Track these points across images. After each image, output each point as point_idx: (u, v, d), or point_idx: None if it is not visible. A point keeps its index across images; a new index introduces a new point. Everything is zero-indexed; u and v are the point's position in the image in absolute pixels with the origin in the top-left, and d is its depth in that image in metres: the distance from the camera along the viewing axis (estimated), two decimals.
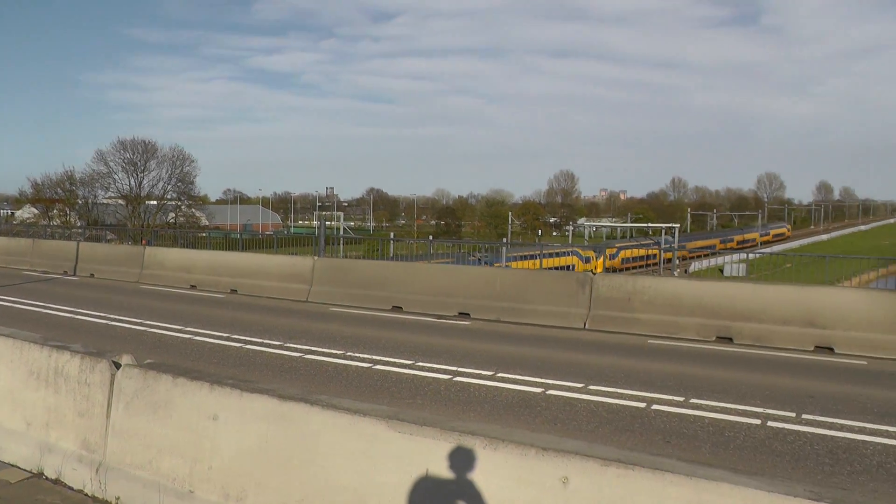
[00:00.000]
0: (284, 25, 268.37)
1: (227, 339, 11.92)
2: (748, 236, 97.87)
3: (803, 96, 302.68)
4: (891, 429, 7.51)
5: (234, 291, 17.82)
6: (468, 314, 14.45)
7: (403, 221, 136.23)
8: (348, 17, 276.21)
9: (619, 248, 61.45)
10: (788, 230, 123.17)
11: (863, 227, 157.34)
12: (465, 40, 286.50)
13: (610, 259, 53.09)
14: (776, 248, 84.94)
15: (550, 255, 40.62)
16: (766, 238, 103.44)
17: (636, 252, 60.22)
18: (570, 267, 44.07)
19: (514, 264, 38.18)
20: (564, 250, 51.31)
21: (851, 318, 11.71)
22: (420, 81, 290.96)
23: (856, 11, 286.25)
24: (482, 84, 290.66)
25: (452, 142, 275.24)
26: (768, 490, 5.03)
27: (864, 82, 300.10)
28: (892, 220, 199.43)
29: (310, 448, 5.12)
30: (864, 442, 7.08)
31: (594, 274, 14.01)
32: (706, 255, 54.60)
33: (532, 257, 39.03)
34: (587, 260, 46.47)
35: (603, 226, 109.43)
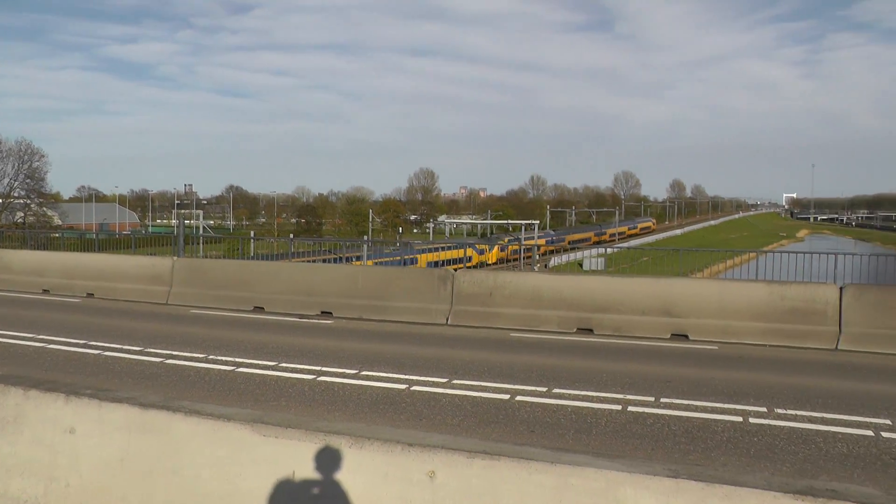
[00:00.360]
0: (139, 13, 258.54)
1: (84, 346, 11.37)
2: (620, 229, 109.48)
3: (657, 100, 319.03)
4: (738, 407, 8.04)
5: (90, 295, 17.01)
6: (331, 313, 14.37)
7: (264, 220, 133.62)
8: (205, 7, 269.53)
9: (509, 241, 67.76)
10: (654, 224, 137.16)
11: (713, 222, 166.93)
12: (325, 36, 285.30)
13: (501, 251, 56.98)
14: (633, 242, 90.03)
15: (451, 248, 46.09)
16: (634, 231, 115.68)
17: (526, 244, 63.53)
18: (469, 258, 46.62)
19: (421, 256, 44.30)
20: (464, 243, 57.55)
21: (704, 306, 12.41)
22: (279, 77, 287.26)
23: (705, 22, 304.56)
24: (342, 81, 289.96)
25: (313, 138, 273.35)
26: (630, 471, 5.28)
27: (712, 88, 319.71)
28: (737, 216, 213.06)
29: (174, 457, 4.97)
30: (715, 420, 7.54)
31: (456, 270, 14.22)
32: (587, 247, 58.00)
33: (436, 250, 44.65)
34: (482, 252, 49.03)
35: (463, 223, 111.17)
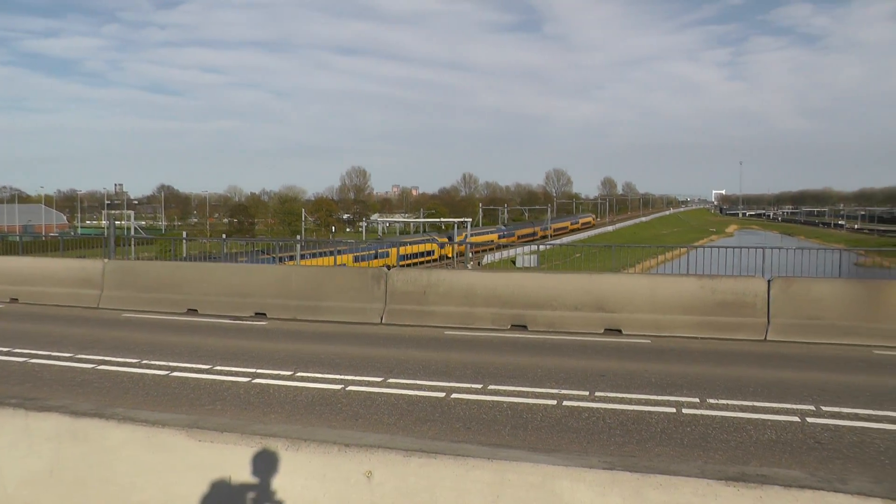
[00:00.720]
0: (62, 6, 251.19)
1: (9, 353, 11.03)
2: (562, 224, 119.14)
3: (586, 99, 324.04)
4: (671, 399, 8.25)
5: (14, 300, 16.50)
6: (265, 314, 14.25)
7: (196, 220, 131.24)
8: (132, 1, 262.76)
9: (468, 234, 75.04)
10: (594, 219, 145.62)
11: (644, 219, 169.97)
12: (254, 33, 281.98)
13: (459, 245, 60.85)
14: (566, 239, 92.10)
15: (414, 243, 49.20)
16: (576, 226, 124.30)
17: (481, 238, 77.01)
18: (431, 252, 48.74)
19: (392, 250, 47.02)
20: (424, 238, 61.10)
21: (636, 301, 12.67)
22: (209, 73, 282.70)
23: (633, 24, 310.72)
24: (272, 78, 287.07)
25: (244, 137, 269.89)
26: (566, 464, 5.39)
27: (640, 88, 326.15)
28: (668, 212, 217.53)
29: (107, 465, 4.87)
30: (649, 413, 7.72)
31: (389, 269, 14.23)
32: (523, 243, 60.28)
33: (394, 245, 48.15)
34: (442, 245, 52.10)
35: (396, 221, 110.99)
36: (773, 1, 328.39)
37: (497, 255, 53.13)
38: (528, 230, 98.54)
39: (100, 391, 8.80)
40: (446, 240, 60.87)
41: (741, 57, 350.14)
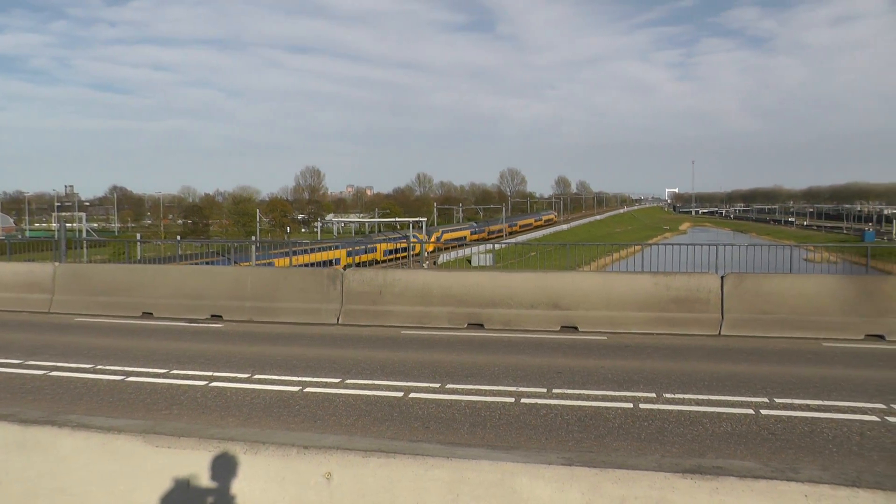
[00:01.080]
0: (5, 1, 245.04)
1: None
2: (527, 221, 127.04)
3: (539, 99, 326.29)
4: (628, 394, 8.37)
5: None
6: (220, 316, 14.12)
7: (150, 221, 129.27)
8: None
9: (443, 231, 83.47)
10: (556, 216, 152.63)
11: (598, 217, 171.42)
12: (205, 30, 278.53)
13: (436, 241, 68.39)
14: (521, 237, 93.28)
15: (390, 241, 52.44)
16: (539, 222, 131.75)
17: (455, 234, 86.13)
18: (412, 248, 51.86)
19: (380, 246, 50.20)
20: (399, 235, 67.04)
21: (591, 298, 12.80)
22: (159, 71, 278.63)
23: (584, 24, 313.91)
24: (223, 77, 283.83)
25: (197, 136, 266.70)
26: (524, 461, 5.44)
27: (592, 88, 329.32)
28: (622, 211, 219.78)
29: (60, 475, 4.79)
30: (607, 408, 7.82)
31: (345, 269, 14.19)
32: (476, 242, 62.36)
33: (380, 241, 51.75)
34: (422, 242, 54.61)
35: (351, 221, 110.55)
36: (722, 4, 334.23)
37: (453, 255, 53.23)
38: (498, 227, 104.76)
39: (51, 398, 8.65)
40: (425, 237, 64.91)
41: (692, 58, 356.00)
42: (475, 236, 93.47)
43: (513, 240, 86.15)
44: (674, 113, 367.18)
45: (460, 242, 60.86)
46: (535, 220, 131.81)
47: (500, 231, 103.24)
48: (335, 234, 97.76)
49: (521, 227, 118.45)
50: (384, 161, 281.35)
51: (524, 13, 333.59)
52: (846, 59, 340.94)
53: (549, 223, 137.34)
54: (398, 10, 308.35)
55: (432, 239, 75.70)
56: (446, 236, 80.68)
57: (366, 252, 50.00)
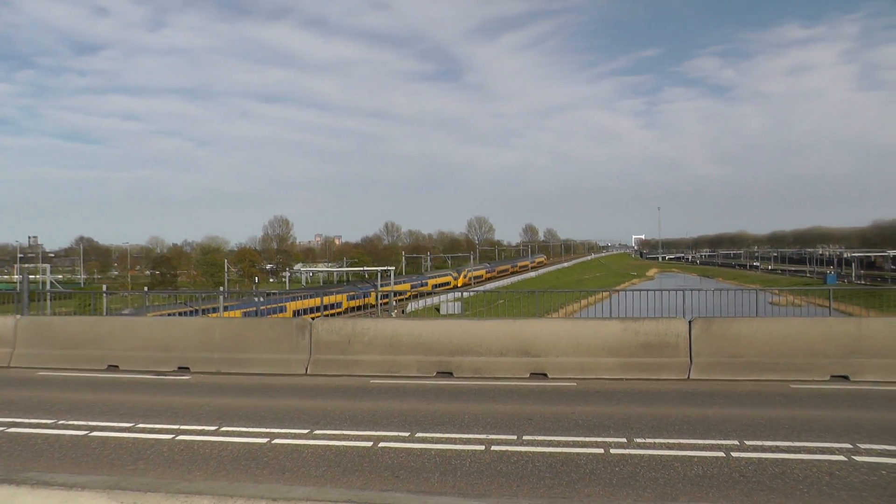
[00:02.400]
0: None
1: None
2: (524, 263, 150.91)
3: (505, 147, 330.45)
4: (599, 439, 8.36)
5: None
6: (188, 368, 13.95)
7: (117, 272, 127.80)
8: (49, 46, 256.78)
9: (468, 270, 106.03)
10: (546, 259, 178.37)
11: (566, 264, 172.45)
12: (175, 80, 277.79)
13: (463, 277, 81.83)
14: (489, 285, 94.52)
15: (435, 276, 57.47)
16: (534, 264, 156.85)
17: (476, 273, 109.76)
18: (448, 283, 54.66)
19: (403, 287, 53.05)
20: (444, 272, 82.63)
21: (561, 345, 12.84)
22: (129, 121, 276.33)
23: (549, 74, 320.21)
24: (193, 126, 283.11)
25: (165, 186, 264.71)
26: None
27: (558, 136, 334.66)
28: (589, 258, 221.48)
29: None
30: (577, 454, 7.80)
31: (313, 319, 14.13)
32: (444, 291, 64.45)
33: (409, 280, 56.06)
34: (456, 277, 59.75)
35: (319, 270, 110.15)
36: (683, 54, 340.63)
37: (421, 303, 53.20)
38: (502, 267, 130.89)
39: (10, 455, 8.44)
40: (456, 273, 74.64)
41: (655, 106, 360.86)
42: (489, 274, 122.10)
43: (481, 287, 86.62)
44: (639, 160, 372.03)
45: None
46: (531, 263, 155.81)
47: (506, 272, 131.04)
48: (303, 283, 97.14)
49: (519, 267, 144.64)
50: (353, 210, 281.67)
51: (489, 62, 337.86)
52: (804, 107, 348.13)
53: (541, 265, 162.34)
54: (367, 60, 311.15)
55: (461, 277, 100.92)
56: (471, 274, 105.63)
57: (365, 296, 53.29)
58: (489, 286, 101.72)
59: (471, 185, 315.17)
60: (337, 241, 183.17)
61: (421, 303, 53.45)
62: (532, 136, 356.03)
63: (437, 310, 53.34)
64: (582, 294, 32.96)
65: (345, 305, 53.18)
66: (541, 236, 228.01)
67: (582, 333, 12.89)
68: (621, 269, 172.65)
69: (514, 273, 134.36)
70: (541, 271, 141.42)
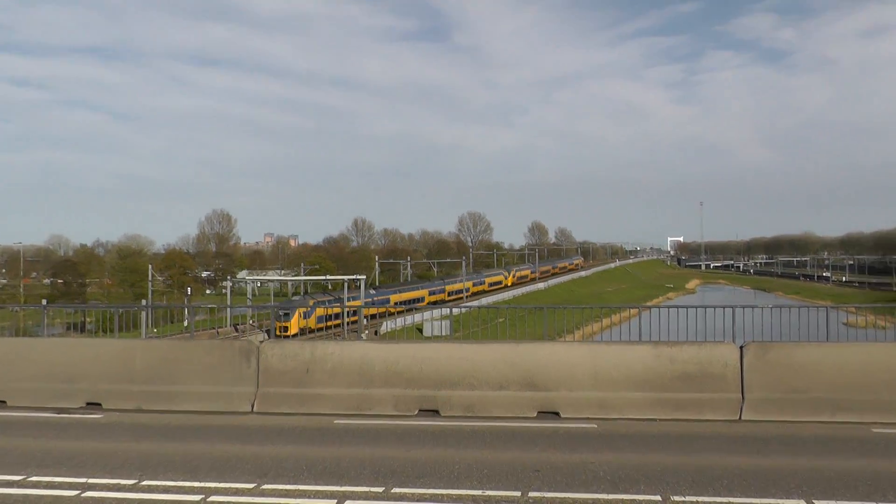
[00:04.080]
0: None
1: None
2: (563, 264, 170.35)
3: (506, 127, 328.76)
4: (627, 497, 8.33)
5: None
6: (99, 404, 13.87)
7: (5, 281, 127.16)
8: None
9: (516, 270, 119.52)
10: (582, 261, 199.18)
11: (583, 273, 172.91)
12: (84, 36, 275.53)
13: (512, 277, 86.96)
14: (485, 300, 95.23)
15: (490, 275, 62.25)
16: (572, 266, 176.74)
17: (523, 272, 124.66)
18: (500, 282, 57.87)
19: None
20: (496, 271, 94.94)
21: (576, 376, 12.83)
22: (23, 89, 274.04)
23: (558, 35, 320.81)
24: (109, 96, 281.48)
25: (72, 172, 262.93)
26: None
27: (572, 112, 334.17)
28: (613, 265, 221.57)
29: None
30: None
31: (261, 342, 14.07)
32: (424, 307, 65.19)
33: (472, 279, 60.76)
34: (507, 277, 65.53)
35: (270, 280, 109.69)
36: (730, 10, 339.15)
37: (398, 322, 53.15)
38: (525, 272, 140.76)
39: None
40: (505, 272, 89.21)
41: (694, 76, 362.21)
42: (534, 275, 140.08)
43: (474, 303, 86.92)
44: (673, 143, 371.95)
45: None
46: (569, 265, 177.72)
47: (525, 278, 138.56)
48: (249, 296, 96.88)
49: (560, 268, 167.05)
50: (312, 204, 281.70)
51: (485, 20, 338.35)
52: (881, 78, 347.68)
53: (575, 269, 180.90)
54: (330, 14, 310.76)
55: (510, 276, 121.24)
56: (519, 274, 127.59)
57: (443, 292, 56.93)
58: (491, 299, 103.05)
59: (462, 173, 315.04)
60: (292, 243, 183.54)
61: (398, 321, 53.37)
62: (537, 113, 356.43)
63: (420, 330, 53.34)
64: (603, 311, 32.92)
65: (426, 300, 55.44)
66: (551, 237, 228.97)
67: (603, 361, 12.88)
68: (653, 280, 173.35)
69: (553, 276, 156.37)
70: (489, 299, 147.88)
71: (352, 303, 62.41)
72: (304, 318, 61.65)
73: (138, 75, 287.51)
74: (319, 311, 62.10)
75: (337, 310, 56.15)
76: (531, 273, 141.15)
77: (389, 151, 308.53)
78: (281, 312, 63.39)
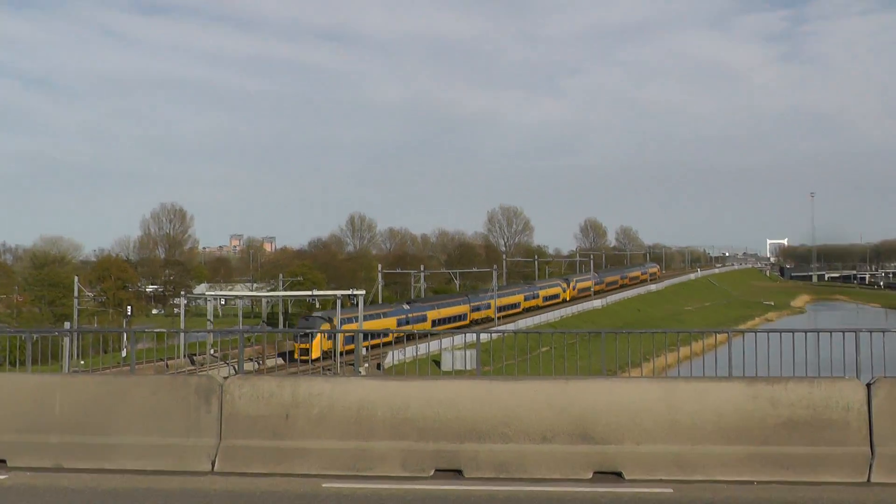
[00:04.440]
0: None
1: None
2: (633, 274, 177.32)
3: (549, 93, 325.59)
4: None
5: None
6: (4, 461, 13.88)
7: None
8: None
9: (575, 280, 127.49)
10: (658, 271, 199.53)
11: (653, 287, 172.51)
12: None
13: (572, 289, 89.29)
14: (539, 317, 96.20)
15: (545, 286, 64.09)
16: (644, 276, 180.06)
17: (583, 284, 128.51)
18: (557, 296, 60.40)
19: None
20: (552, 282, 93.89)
21: (644, 424, 12.76)
22: None
23: None
24: (15, 53, 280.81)
25: None
26: None
27: (638, 74, 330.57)
28: (693, 276, 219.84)
29: None
30: None
31: (226, 378, 14.04)
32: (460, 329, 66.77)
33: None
34: (565, 290, 68.16)
35: (237, 296, 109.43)
36: None
37: (408, 353, 53.20)
38: (587, 283, 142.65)
39: None
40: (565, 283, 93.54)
41: (801, 25, 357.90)
42: (598, 286, 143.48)
43: (510, 326, 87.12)
44: (776, 117, 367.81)
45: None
46: (642, 274, 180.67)
47: (615, 282, 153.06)
48: (210, 316, 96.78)
49: (631, 279, 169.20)
50: (294, 197, 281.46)
51: None
52: None
53: (654, 279, 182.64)
54: None
55: (570, 288, 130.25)
56: (581, 285, 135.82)
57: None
58: (541, 318, 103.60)
59: (491, 155, 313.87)
60: (268, 247, 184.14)
61: (408, 352, 53.43)
62: (592, 76, 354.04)
63: (437, 363, 53.36)
64: (680, 337, 32.85)
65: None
66: (610, 240, 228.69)
67: (681, 404, 12.82)
68: (747, 296, 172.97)
69: (623, 286, 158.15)
70: (638, 291, 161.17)
71: (376, 322, 62.36)
72: (330, 338, 62.33)
73: (58, 26, 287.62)
74: (349, 326, 62.61)
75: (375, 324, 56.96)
76: (595, 284, 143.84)
77: (395, 127, 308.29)
78: (301, 331, 63.84)
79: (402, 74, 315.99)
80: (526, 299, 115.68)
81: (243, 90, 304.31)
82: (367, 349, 57.20)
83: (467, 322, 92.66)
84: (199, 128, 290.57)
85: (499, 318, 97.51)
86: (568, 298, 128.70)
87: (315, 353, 61.26)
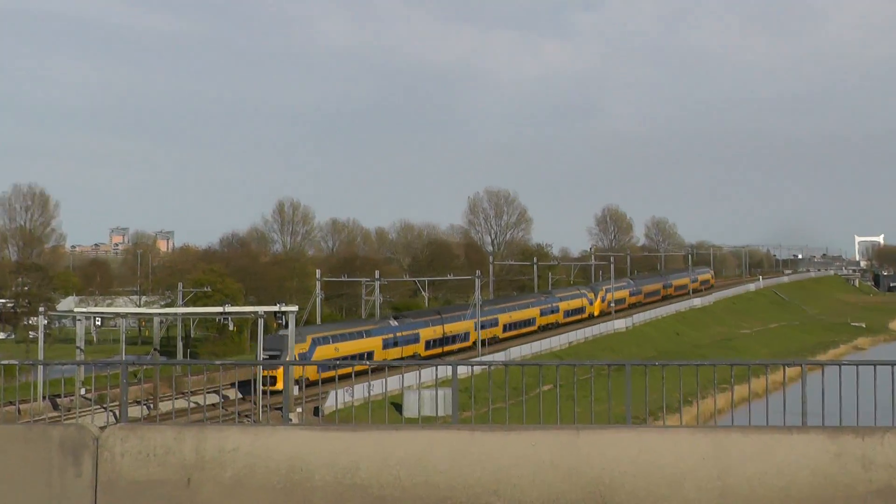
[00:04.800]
0: None
1: None
2: (680, 282, 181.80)
3: (556, 35, 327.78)
4: None
5: None
6: None
7: None
8: None
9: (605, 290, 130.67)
10: (712, 278, 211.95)
11: (697, 302, 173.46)
12: None
13: (601, 301, 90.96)
14: (560, 337, 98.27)
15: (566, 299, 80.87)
16: (695, 285, 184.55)
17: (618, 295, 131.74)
18: (582, 309, 66.20)
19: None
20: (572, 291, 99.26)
21: (683, 490, 12.86)
22: None
23: None
24: None
25: None
26: None
27: (671, 11, 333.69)
28: (752, 286, 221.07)
29: None
30: None
31: (103, 428, 13.98)
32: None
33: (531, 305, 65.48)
34: (592, 302, 72.48)
35: (119, 313, 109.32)
36: None
37: (359, 391, 53.24)
38: (623, 293, 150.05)
39: None
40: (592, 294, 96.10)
41: None
42: (622, 293, 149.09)
43: (498, 357, 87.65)
44: (865, 72, 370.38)
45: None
46: (692, 282, 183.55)
47: (657, 291, 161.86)
48: (80, 342, 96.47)
49: (675, 289, 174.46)
50: (200, 178, 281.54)
51: None
52: None
53: (707, 288, 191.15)
54: None
55: (598, 299, 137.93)
56: (609, 297, 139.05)
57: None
58: (559, 339, 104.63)
59: (474, 121, 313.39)
60: (162, 246, 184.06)
61: (358, 390, 53.46)
62: (613, 11, 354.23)
63: (397, 407, 53.35)
64: (734, 371, 32.92)
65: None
66: (638, 237, 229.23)
67: (735, 465, 12.85)
68: (827, 314, 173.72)
69: (666, 297, 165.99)
70: (679, 306, 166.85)
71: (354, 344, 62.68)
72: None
73: None
74: (324, 350, 62.93)
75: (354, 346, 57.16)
76: (630, 295, 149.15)
77: (342, 85, 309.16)
78: (266, 355, 64.28)
79: (357, 12, 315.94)
80: (542, 314, 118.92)
81: (133, 30, 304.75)
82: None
83: (469, 343, 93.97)
84: (68, 82, 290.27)
85: (506, 337, 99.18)
86: (596, 313, 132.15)
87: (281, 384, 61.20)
